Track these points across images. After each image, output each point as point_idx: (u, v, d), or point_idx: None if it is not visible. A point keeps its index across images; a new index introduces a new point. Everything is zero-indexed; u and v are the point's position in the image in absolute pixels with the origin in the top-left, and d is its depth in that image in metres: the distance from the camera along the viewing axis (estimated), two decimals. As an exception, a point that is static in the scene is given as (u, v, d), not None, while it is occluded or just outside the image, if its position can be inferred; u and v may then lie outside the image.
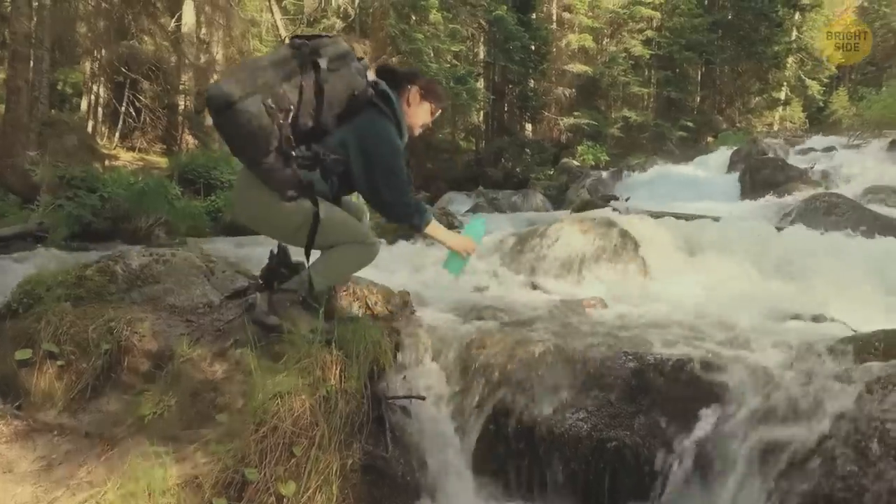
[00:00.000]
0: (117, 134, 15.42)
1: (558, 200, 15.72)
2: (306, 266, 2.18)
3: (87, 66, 14.77)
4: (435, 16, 14.33)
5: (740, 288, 4.32)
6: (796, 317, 3.26)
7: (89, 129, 14.62)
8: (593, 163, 19.96)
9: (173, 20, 13.46)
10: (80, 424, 1.80)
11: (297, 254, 3.11)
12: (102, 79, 15.06)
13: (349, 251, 2.14)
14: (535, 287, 4.26)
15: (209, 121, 14.11)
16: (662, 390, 2.06)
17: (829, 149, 14.83)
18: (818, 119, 33.23)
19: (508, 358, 2.22)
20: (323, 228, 2.05)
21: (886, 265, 4.72)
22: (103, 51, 13.38)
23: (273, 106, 1.86)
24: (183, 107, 13.24)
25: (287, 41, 2.14)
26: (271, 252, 2.87)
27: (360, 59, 2.09)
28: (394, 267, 4.85)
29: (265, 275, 2.82)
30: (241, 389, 1.84)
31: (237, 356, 1.96)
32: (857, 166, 11.92)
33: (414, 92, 2.19)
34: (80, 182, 8.22)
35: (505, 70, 18.38)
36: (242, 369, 1.90)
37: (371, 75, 2.15)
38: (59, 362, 1.96)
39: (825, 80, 32.41)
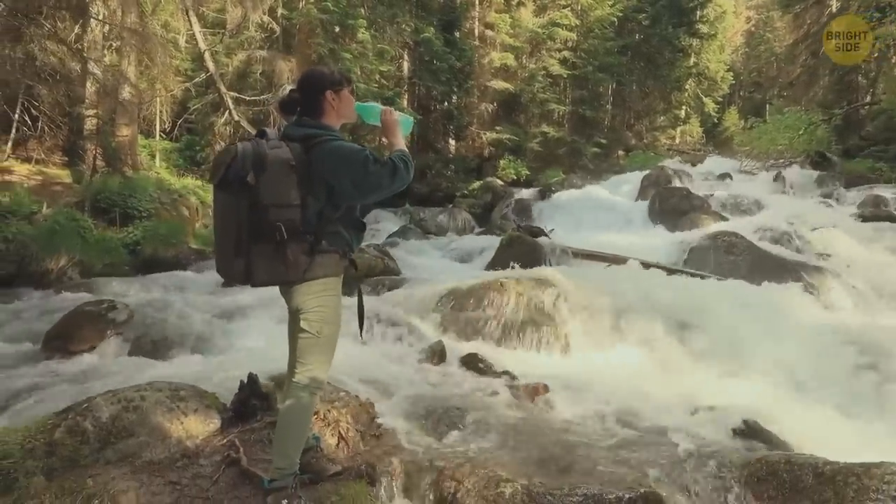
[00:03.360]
0: (10, 143, 14.05)
1: (483, 219, 16.23)
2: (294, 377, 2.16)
3: (-27, 68, 13.32)
4: (363, 34, 14.23)
5: (665, 361, 4.82)
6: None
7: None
8: (514, 176, 20.72)
9: (77, 27, 12.45)
10: None
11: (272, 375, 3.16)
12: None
13: (295, 418, 2.15)
14: (480, 364, 4.47)
15: (119, 137, 13.22)
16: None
17: (725, 175, 16.36)
18: (713, 134, 36.32)
19: (481, 499, 2.42)
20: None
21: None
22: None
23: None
24: (96, 122, 12.27)
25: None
26: (241, 382, 2.90)
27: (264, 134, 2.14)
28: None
29: (236, 406, 2.86)
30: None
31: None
32: (750, 196, 13.24)
33: (330, 95, 2.20)
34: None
35: (430, 87, 18.59)
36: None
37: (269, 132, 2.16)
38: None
39: (719, 99, 35.45)
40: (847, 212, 11.36)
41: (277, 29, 13.72)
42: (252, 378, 2.81)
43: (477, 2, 21.61)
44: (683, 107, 29.98)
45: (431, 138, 19.87)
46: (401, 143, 2.24)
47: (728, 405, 3.80)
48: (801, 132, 14.35)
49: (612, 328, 5.37)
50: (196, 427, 2.56)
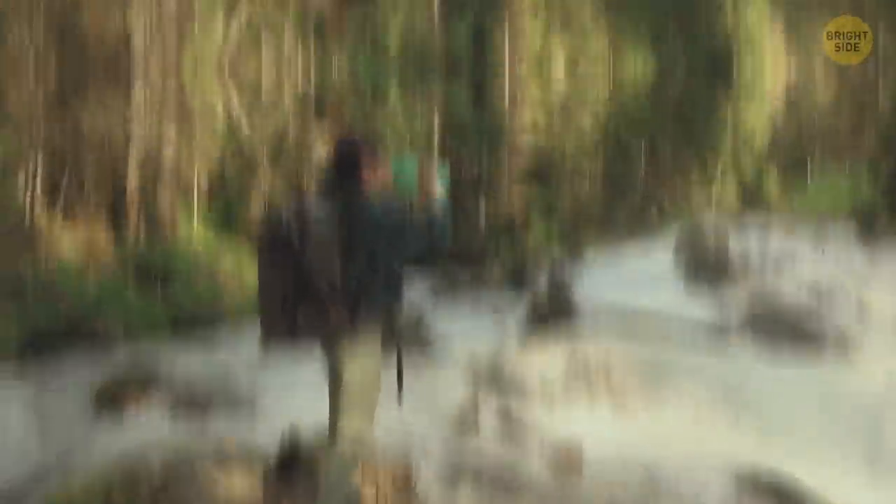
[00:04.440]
0: (57, 207, 14.74)
1: (515, 280, 15.92)
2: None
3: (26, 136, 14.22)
4: (394, 98, 14.67)
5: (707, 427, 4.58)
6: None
7: (27, 201, 13.97)
8: (546, 236, 20.59)
9: (121, 95, 13.23)
10: None
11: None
12: (41, 148, 14.53)
13: (338, 474, 2.26)
14: (514, 425, 4.39)
15: (160, 200, 13.74)
16: None
17: (764, 234, 15.77)
18: (751, 192, 35.61)
19: None
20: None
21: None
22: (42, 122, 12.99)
23: None
24: (137, 185, 12.86)
25: None
26: (283, 437, 3.13)
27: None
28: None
29: (279, 461, 2.98)
30: None
31: None
32: (789, 256, 12.68)
33: (364, 161, 2.34)
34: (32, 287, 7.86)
35: (459, 148, 18.95)
36: None
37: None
38: None
39: (757, 155, 34.98)
40: (897, 272, 10.74)
41: (311, 94, 14.27)
42: (293, 433, 3.05)
43: (507, 62, 22.27)
44: (719, 164, 29.68)
45: (460, 199, 20.03)
46: (439, 194, 2.40)
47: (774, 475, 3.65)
48: (844, 191, 13.84)
49: (652, 391, 5.28)
50: (241, 482, 2.72)
